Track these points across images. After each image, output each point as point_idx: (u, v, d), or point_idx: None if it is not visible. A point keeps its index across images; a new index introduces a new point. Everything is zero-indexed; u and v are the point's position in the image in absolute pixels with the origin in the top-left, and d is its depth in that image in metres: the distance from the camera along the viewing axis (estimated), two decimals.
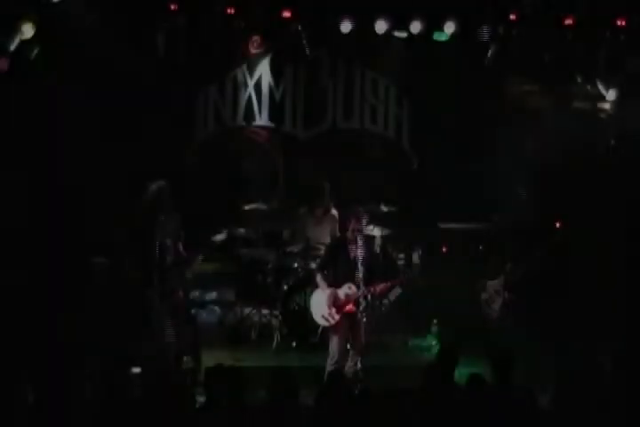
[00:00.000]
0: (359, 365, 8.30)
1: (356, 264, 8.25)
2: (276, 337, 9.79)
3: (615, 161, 10.89)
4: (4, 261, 9.19)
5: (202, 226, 9.58)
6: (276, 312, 9.93)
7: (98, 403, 6.10)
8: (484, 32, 10.74)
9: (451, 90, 11.28)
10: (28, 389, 5.99)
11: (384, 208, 10.50)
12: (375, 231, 10.03)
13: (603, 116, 11.20)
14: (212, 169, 11.17)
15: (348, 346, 8.47)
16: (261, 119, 11.52)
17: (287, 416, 5.98)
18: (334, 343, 8.37)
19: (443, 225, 11.02)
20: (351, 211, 8.51)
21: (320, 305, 8.45)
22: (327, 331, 8.66)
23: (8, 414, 5.81)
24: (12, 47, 9.25)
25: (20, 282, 9.05)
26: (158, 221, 8.10)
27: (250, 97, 11.45)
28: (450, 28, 10.56)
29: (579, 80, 11.05)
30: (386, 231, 10.23)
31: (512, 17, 10.55)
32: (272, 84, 11.46)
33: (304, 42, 10.76)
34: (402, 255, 11.08)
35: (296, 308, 9.70)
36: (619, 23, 10.45)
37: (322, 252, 9.48)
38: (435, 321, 10.06)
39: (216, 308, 10.80)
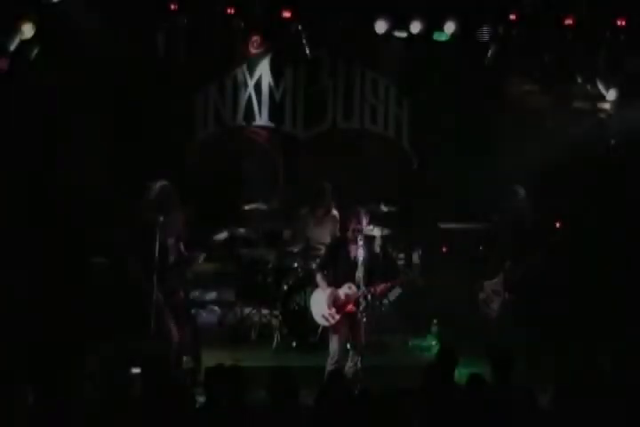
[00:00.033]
0: (359, 365, 8.30)
1: (355, 264, 8.26)
2: (276, 337, 9.80)
3: (615, 161, 10.90)
4: (3, 261, 9.20)
5: (202, 226, 9.58)
6: (276, 312, 9.93)
7: (98, 403, 6.10)
8: (484, 32, 10.74)
9: (451, 90, 11.29)
10: (27, 389, 5.99)
11: (384, 208, 10.49)
12: (375, 231, 10.02)
13: (603, 116, 11.20)
14: (212, 169, 11.17)
15: (348, 346, 8.47)
16: (261, 119, 11.52)
17: (287, 416, 5.98)
18: (334, 343, 8.38)
19: (443, 225, 11.01)
20: (351, 211, 8.51)
21: (320, 305, 8.46)
22: (327, 331, 8.66)
23: (8, 414, 5.80)
24: (12, 47, 9.25)
25: (20, 282, 9.06)
26: (161, 221, 8.10)
27: (250, 97, 11.45)
28: (450, 28, 10.55)
29: (579, 80, 11.04)
30: (386, 231, 10.21)
31: (512, 17, 10.54)
32: (272, 84, 11.46)
33: (304, 42, 10.75)
34: (402, 255, 11.10)
35: (296, 308, 9.70)
36: (619, 23, 10.45)
37: (322, 252, 9.48)
38: (435, 321, 10.06)
39: (216, 308, 10.81)
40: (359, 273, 8.23)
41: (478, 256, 10.51)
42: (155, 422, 5.94)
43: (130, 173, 10.12)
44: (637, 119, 10.54)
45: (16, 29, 9.19)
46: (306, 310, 9.15)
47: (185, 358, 8.41)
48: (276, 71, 11.43)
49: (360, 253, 8.24)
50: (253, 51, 11.21)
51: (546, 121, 11.08)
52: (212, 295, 10.95)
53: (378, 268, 8.48)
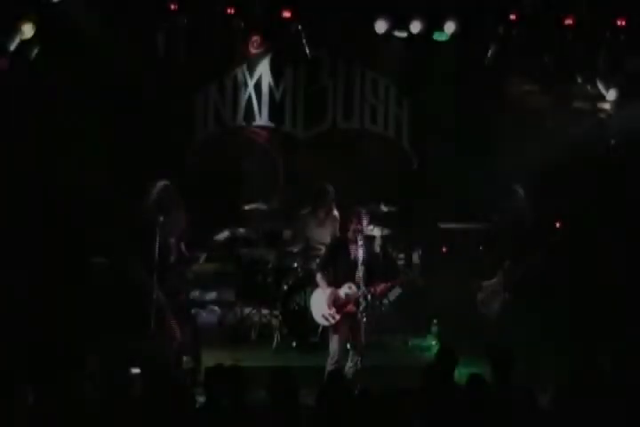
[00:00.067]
0: (359, 365, 8.31)
1: (356, 264, 8.26)
2: (276, 337, 9.80)
3: (615, 161, 10.90)
4: (3, 261, 9.20)
5: (202, 226, 9.59)
6: (276, 312, 9.94)
7: (98, 403, 6.10)
8: (484, 32, 10.74)
9: (451, 90, 11.29)
10: (27, 389, 5.99)
11: (384, 208, 10.49)
12: (375, 231, 10.03)
13: (603, 116, 11.20)
14: (212, 169, 11.17)
15: (348, 346, 8.47)
16: (261, 119, 11.52)
17: (287, 416, 5.98)
18: (334, 343, 8.38)
19: (443, 225, 11.01)
20: (352, 211, 8.51)
21: (320, 304, 8.46)
22: (327, 331, 8.66)
23: (8, 414, 5.80)
24: (12, 47, 9.25)
25: (20, 282, 9.06)
26: (162, 221, 8.10)
27: (250, 97, 11.45)
28: (450, 28, 10.56)
29: (579, 80, 11.05)
30: (386, 231, 10.23)
31: (512, 17, 10.55)
32: (272, 84, 11.46)
33: (304, 42, 10.75)
34: (402, 255, 11.10)
35: (296, 308, 9.70)
36: (619, 23, 10.46)
37: (322, 252, 9.48)
38: (435, 321, 10.06)
39: (216, 308, 10.81)
40: (359, 273, 8.23)
41: (478, 256, 10.53)
42: (155, 422, 5.94)
43: (130, 173, 10.12)
44: (637, 119, 10.54)
45: (16, 29, 9.20)
46: (306, 310, 9.16)
47: (185, 358, 8.41)
48: (275, 71, 11.42)
49: (360, 253, 8.25)
50: (253, 51, 11.21)
51: (546, 121, 11.08)
52: (212, 295, 10.95)
53: (378, 268, 8.48)
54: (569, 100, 11.24)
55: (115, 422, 5.93)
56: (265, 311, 10.29)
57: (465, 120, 11.31)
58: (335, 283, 8.43)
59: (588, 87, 11.07)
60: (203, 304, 10.71)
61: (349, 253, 8.38)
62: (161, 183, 8.32)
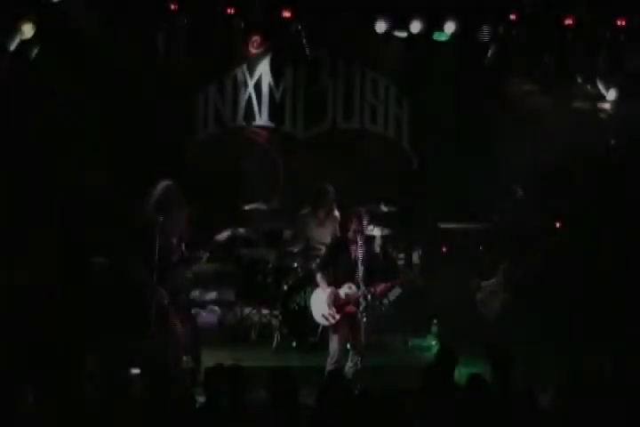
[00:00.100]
0: (359, 365, 8.31)
1: (356, 264, 8.26)
2: (276, 337, 9.80)
3: (615, 161, 10.90)
4: (3, 261, 9.20)
5: (202, 226, 9.58)
6: (276, 312, 9.94)
7: (98, 403, 6.10)
8: (484, 32, 10.74)
9: (451, 90, 11.29)
10: (27, 389, 5.99)
11: (384, 208, 10.49)
12: (375, 231, 10.04)
13: (603, 116, 11.21)
14: (212, 169, 11.16)
15: (348, 346, 8.47)
16: (261, 119, 11.52)
17: (287, 416, 5.98)
18: (334, 343, 8.38)
19: (443, 225, 11.01)
20: (352, 212, 8.51)
21: (320, 304, 8.46)
22: (327, 331, 8.66)
23: (8, 414, 5.80)
24: (12, 47, 9.25)
25: (20, 282, 9.05)
26: (164, 221, 8.11)
27: (250, 97, 11.45)
28: (450, 28, 10.56)
29: (579, 80, 11.05)
30: (386, 231, 10.23)
31: (512, 17, 10.55)
32: (272, 84, 11.46)
33: (304, 42, 10.76)
34: (402, 255, 11.10)
35: (296, 308, 9.70)
36: (619, 23, 10.46)
37: (322, 252, 9.48)
38: (435, 321, 10.06)
39: (216, 308, 10.82)
40: (359, 273, 8.23)
41: (478, 256, 10.53)
42: (155, 422, 5.94)
43: (130, 173, 10.12)
44: (637, 119, 10.54)
45: (16, 29, 9.20)
46: (306, 310, 9.16)
47: (185, 358, 8.40)
48: (275, 71, 11.42)
49: (360, 253, 8.25)
50: (253, 51, 11.21)
51: (546, 121, 11.07)
52: (212, 295, 10.95)
53: (378, 268, 8.48)
54: (569, 100, 11.24)
55: (115, 422, 5.93)
56: (265, 311, 10.29)
57: (465, 120, 11.30)
58: (335, 283, 8.43)
59: (588, 87, 11.08)
60: (203, 304, 10.72)
61: (349, 254, 8.38)
62: (163, 183, 8.32)
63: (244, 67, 11.39)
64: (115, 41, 10.14)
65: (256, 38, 11.02)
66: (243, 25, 10.56)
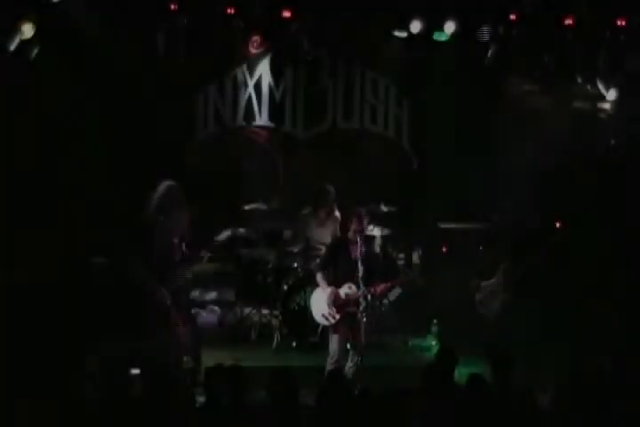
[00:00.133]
0: (359, 365, 8.30)
1: (356, 264, 8.26)
2: (276, 337, 9.80)
3: (615, 161, 10.90)
4: (3, 261, 9.19)
5: (202, 226, 9.58)
6: (276, 312, 9.94)
7: (98, 403, 6.10)
8: (484, 32, 10.74)
9: (451, 90, 11.28)
10: (28, 389, 5.99)
11: (384, 208, 10.50)
12: (375, 231, 10.04)
13: (603, 116, 11.21)
14: (212, 169, 11.16)
15: (348, 346, 8.47)
16: (261, 119, 11.51)
17: (287, 416, 5.98)
18: (334, 343, 8.38)
19: (443, 225, 11.01)
20: (352, 212, 8.51)
21: (320, 304, 8.46)
22: (327, 330, 8.66)
23: (8, 414, 5.81)
24: (12, 47, 9.25)
25: (21, 282, 9.05)
26: (166, 220, 8.11)
27: (250, 97, 11.44)
28: (450, 28, 10.55)
29: (579, 80, 11.05)
30: (386, 231, 10.23)
31: (512, 17, 10.54)
32: (272, 84, 11.45)
33: (304, 42, 10.75)
34: (402, 255, 11.10)
35: (296, 308, 9.70)
36: (619, 23, 10.45)
37: (322, 252, 9.48)
38: (435, 321, 10.07)
39: (216, 308, 10.82)
40: (359, 273, 8.23)
41: (478, 256, 10.53)
42: (155, 422, 5.94)
43: (130, 173, 10.12)
44: (637, 119, 10.54)
45: (16, 29, 9.19)
46: (306, 310, 9.16)
47: (185, 358, 8.40)
48: (275, 71, 11.41)
49: (360, 253, 8.25)
50: (253, 51, 11.20)
51: (546, 121, 11.07)
52: (212, 295, 10.95)
53: (378, 268, 8.48)
54: (569, 100, 11.24)
55: (115, 422, 5.94)
56: (265, 311, 10.30)
57: (465, 120, 11.30)
58: (335, 283, 8.43)
59: (588, 87, 11.08)
60: (203, 304, 10.72)
61: (350, 254, 8.38)
62: (165, 183, 8.32)
63: (244, 67, 11.39)
64: (115, 41, 10.14)
65: (256, 38, 11.01)
66: (243, 25, 10.55)
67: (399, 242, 10.94)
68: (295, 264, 9.99)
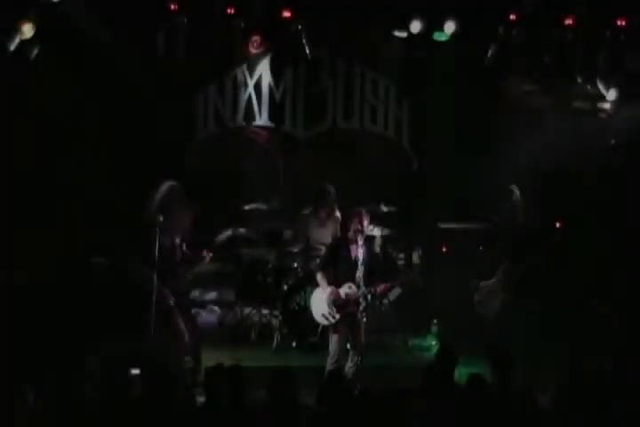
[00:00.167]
0: (359, 365, 8.31)
1: (356, 264, 8.27)
2: (276, 337, 9.80)
3: (615, 161, 10.90)
4: (3, 261, 9.20)
5: (203, 226, 9.58)
6: (276, 312, 9.94)
7: (98, 403, 6.10)
8: (484, 32, 10.74)
9: (451, 90, 11.28)
10: (27, 389, 5.99)
11: (384, 208, 10.49)
12: (375, 231, 10.03)
13: (603, 116, 11.21)
14: (212, 169, 11.16)
15: (348, 346, 8.47)
16: (261, 119, 11.51)
17: (287, 416, 5.98)
18: (334, 342, 8.38)
19: (443, 225, 11.01)
20: (353, 212, 8.51)
21: (320, 304, 8.46)
22: (327, 330, 8.66)
23: (8, 414, 5.80)
24: (12, 47, 9.25)
25: (21, 282, 9.06)
26: (167, 221, 8.11)
27: (250, 97, 11.44)
28: (450, 28, 10.55)
29: (579, 80, 11.04)
30: (386, 231, 10.23)
31: (512, 17, 10.54)
32: (272, 84, 11.45)
33: (304, 42, 10.75)
34: (402, 255, 11.10)
35: (296, 308, 9.70)
36: (619, 23, 10.46)
37: (322, 252, 9.48)
38: (435, 321, 10.07)
39: (216, 308, 10.82)
40: (359, 273, 8.24)
41: (478, 256, 10.53)
42: (155, 422, 5.94)
43: (130, 173, 10.12)
44: (637, 119, 10.54)
45: (16, 29, 9.19)
46: (306, 310, 9.16)
47: (185, 358, 8.41)
48: (275, 71, 11.42)
49: (360, 253, 8.25)
50: (253, 51, 11.20)
51: (546, 121, 11.07)
52: (211, 295, 10.96)
53: (378, 268, 8.49)
54: (569, 100, 11.24)
55: (115, 422, 5.94)
56: (265, 311, 10.30)
57: (465, 120, 11.30)
58: (335, 283, 8.43)
59: (588, 87, 11.07)
60: (203, 304, 10.72)
61: (350, 254, 8.39)
62: (167, 183, 8.33)
63: (244, 67, 11.39)
64: (115, 41, 10.14)
65: (256, 38, 11.00)
66: (243, 25, 10.55)
67: (399, 242, 10.94)
68: (295, 264, 9.99)
